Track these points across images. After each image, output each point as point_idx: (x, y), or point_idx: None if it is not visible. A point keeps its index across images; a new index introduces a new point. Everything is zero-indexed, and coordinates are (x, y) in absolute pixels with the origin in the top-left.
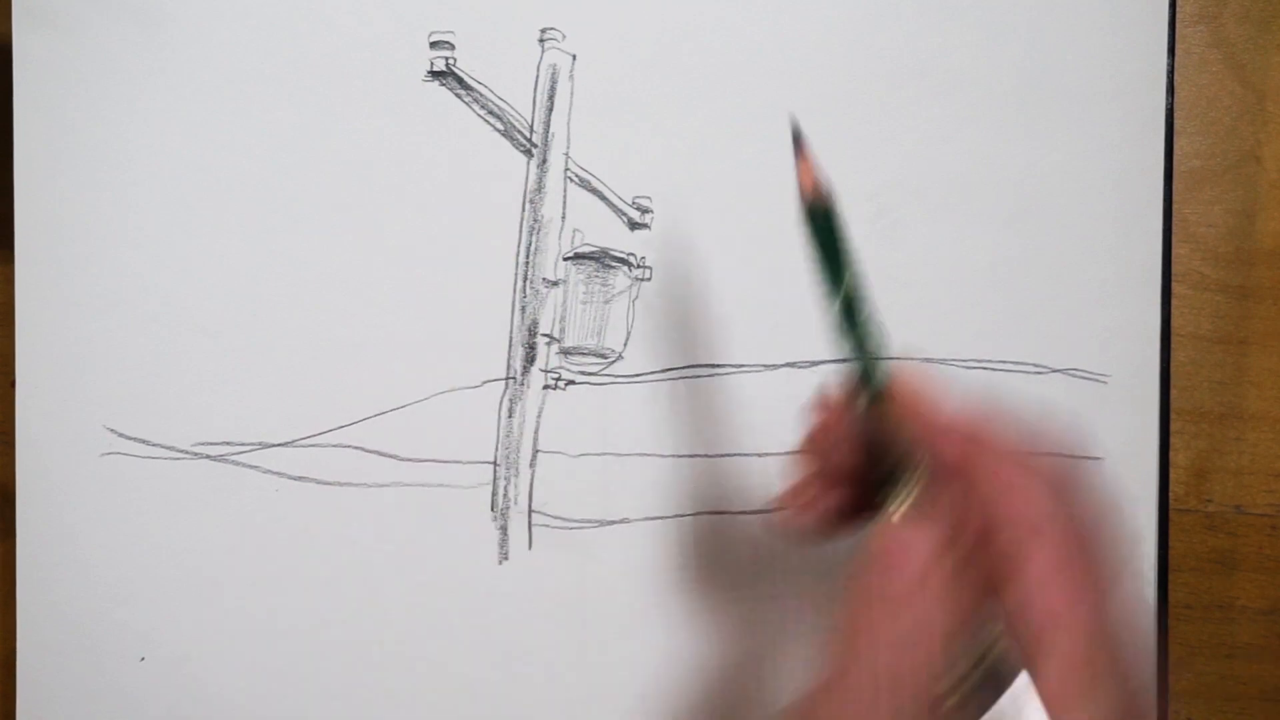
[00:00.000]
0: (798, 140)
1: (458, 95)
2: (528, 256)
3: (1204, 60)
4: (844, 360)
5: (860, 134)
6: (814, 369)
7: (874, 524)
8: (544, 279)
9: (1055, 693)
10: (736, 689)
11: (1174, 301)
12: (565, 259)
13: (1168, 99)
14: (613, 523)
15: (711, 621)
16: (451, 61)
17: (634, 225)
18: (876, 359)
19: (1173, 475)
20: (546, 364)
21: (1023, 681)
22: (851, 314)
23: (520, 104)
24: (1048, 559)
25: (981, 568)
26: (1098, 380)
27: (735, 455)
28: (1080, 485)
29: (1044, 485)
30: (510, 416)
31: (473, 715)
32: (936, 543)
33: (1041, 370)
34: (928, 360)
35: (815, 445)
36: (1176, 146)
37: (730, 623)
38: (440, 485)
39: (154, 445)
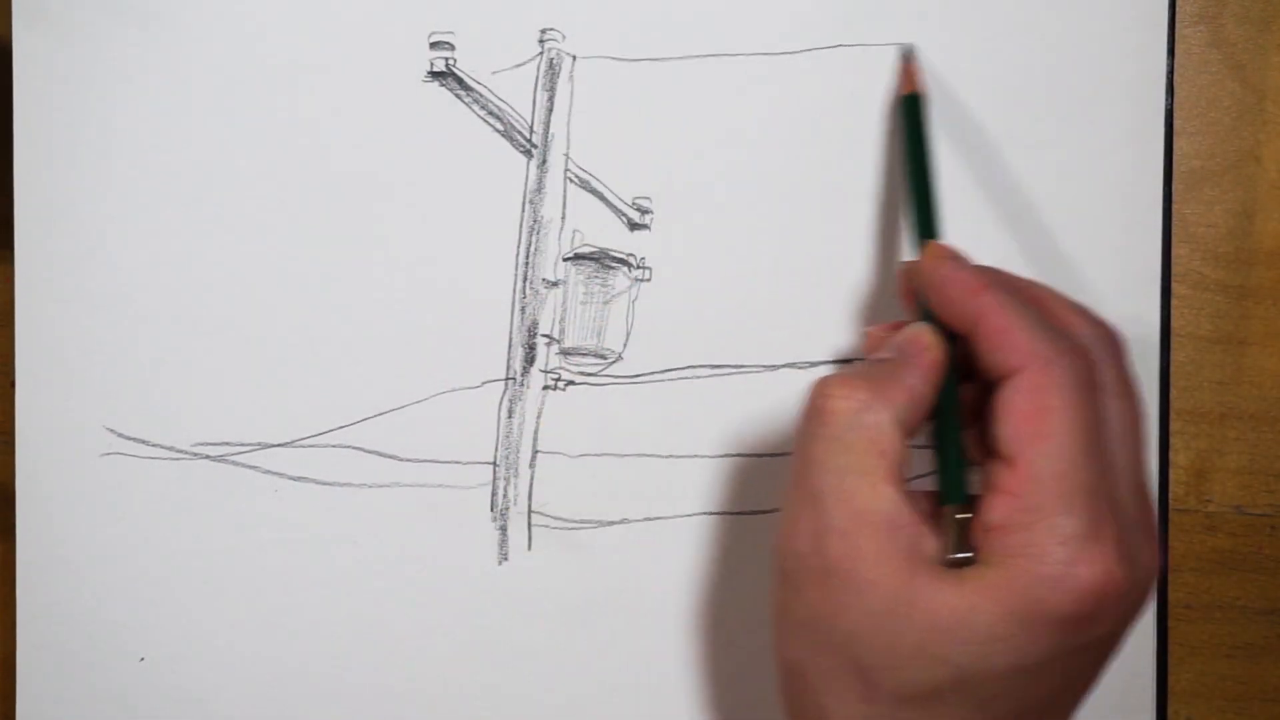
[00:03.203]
0: (912, 59)
1: (457, 95)
2: (527, 257)
3: (1204, 60)
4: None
5: (860, 134)
6: (813, 369)
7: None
8: (544, 279)
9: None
10: (738, 689)
11: (1174, 301)
12: (565, 259)
13: (1168, 99)
14: (613, 523)
15: (711, 621)
16: (451, 62)
17: (634, 225)
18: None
19: (1173, 475)
20: (546, 364)
21: None
22: (919, 181)
23: (520, 104)
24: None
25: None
26: None
27: (735, 455)
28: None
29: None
30: (510, 417)
31: (472, 715)
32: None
33: None
34: None
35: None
36: (1176, 146)
37: (730, 622)
38: (440, 486)
39: (154, 445)
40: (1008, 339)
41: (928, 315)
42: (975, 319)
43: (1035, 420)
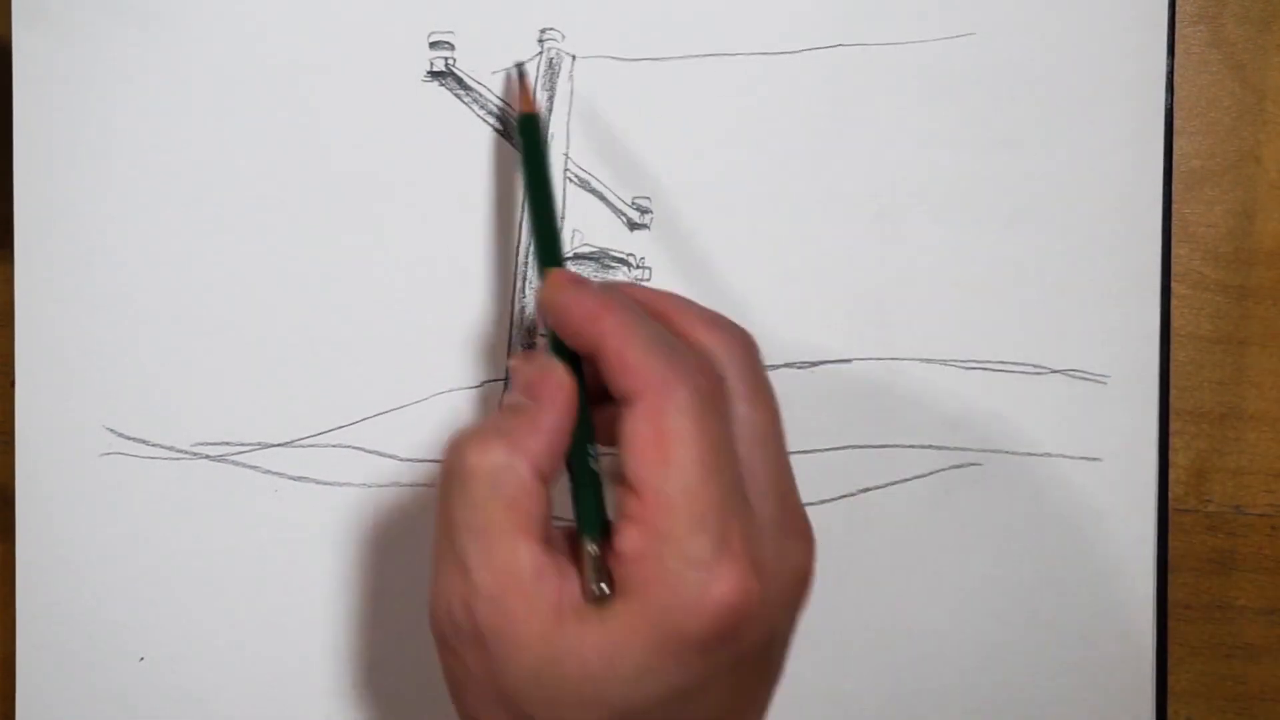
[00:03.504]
0: (523, 76)
1: (457, 95)
2: (527, 257)
3: (1204, 60)
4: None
5: (860, 134)
6: (814, 369)
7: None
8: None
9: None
10: None
11: (1174, 301)
12: (564, 259)
13: (1168, 99)
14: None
15: None
16: (451, 61)
17: (634, 225)
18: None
19: (1172, 475)
20: None
21: None
22: (539, 206)
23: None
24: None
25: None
26: (1097, 381)
27: None
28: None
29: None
30: None
31: None
32: None
33: (1041, 370)
34: (927, 360)
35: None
36: (1176, 146)
37: None
38: None
39: (154, 445)
40: (625, 363)
41: (559, 343)
42: (596, 344)
43: (657, 446)
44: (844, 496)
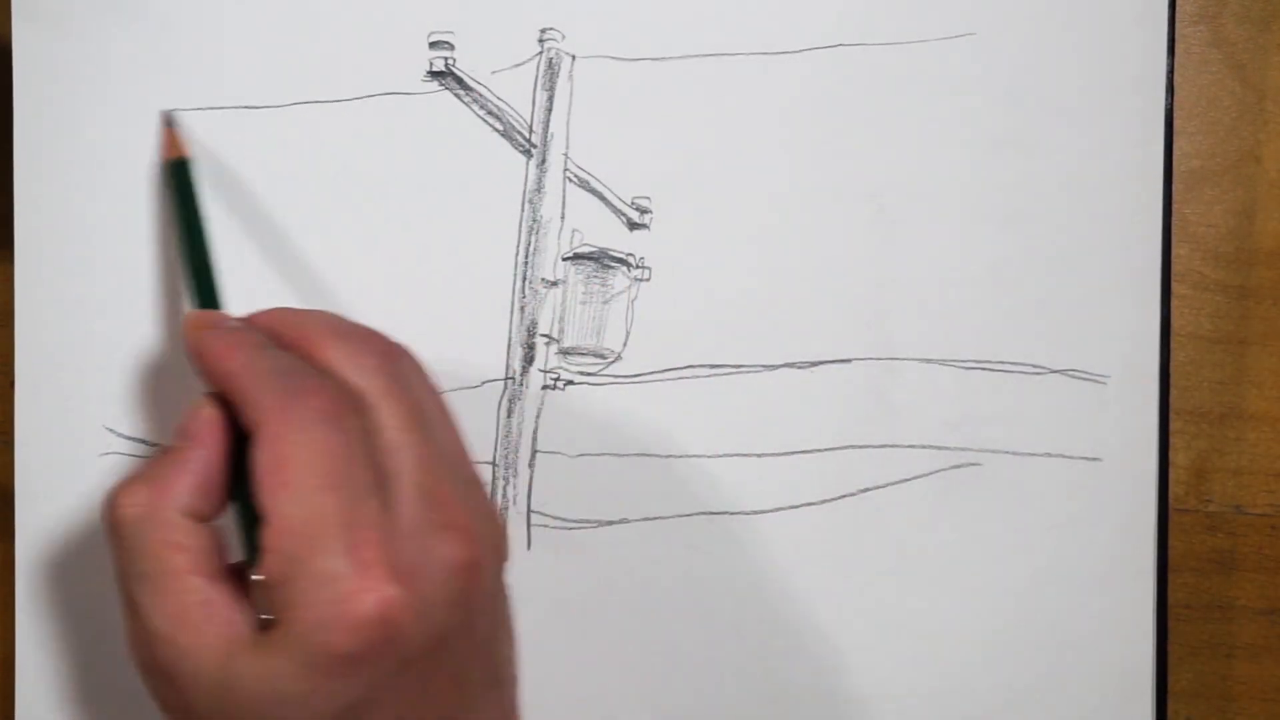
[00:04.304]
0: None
1: (457, 95)
2: (527, 257)
3: (1204, 60)
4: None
5: (860, 134)
6: (813, 369)
7: None
8: (543, 279)
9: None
10: (737, 688)
11: (1174, 301)
12: (564, 259)
13: (1168, 99)
14: (612, 523)
15: (711, 621)
16: (451, 61)
17: (633, 225)
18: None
19: (1172, 475)
20: (545, 364)
21: None
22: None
23: (520, 104)
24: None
25: None
26: (1097, 380)
27: (735, 455)
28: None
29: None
30: (509, 417)
31: None
32: None
33: (1041, 370)
34: (926, 360)
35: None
36: (1176, 146)
37: (729, 622)
38: None
39: (154, 445)
40: (246, 396)
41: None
42: (227, 384)
43: (276, 471)
44: (844, 496)
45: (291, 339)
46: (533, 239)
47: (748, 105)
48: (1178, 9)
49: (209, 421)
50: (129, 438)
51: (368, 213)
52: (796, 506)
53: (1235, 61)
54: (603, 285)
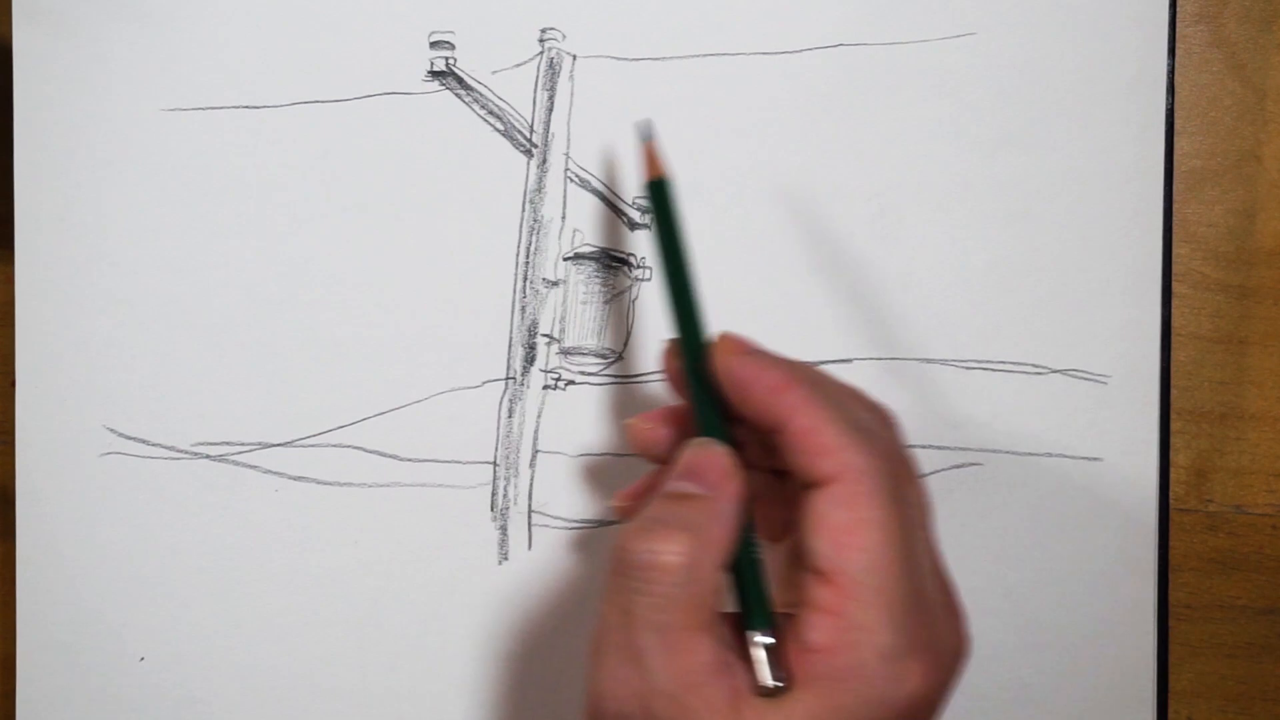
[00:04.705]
0: (649, 135)
1: (458, 95)
2: (528, 256)
3: (1204, 60)
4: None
5: (860, 134)
6: None
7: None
8: (544, 279)
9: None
10: None
11: (1174, 301)
12: (565, 259)
13: (1168, 99)
14: (613, 523)
15: None
16: (451, 61)
17: (634, 225)
18: (695, 330)
19: (1173, 475)
20: (546, 364)
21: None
22: (679, 284)
23: (520, 104)
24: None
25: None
26: (1098, 380)
27: None
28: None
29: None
30: (510, 417)
31: (472, 715)
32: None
33: (1041, 370)
34: (927, 361)
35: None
36: (1176, 146)
37: None
38: (440, 485)
39: (154, 445)
40: (818, 443)
41: (702, 400)
42: (782, 421)
43: (852, 534)
44: None
45: (828, 391)
46: (533, 239)
47: (747, 105)
48: (1178, 9)
49: (730, 473)
50: (129, 438)
51: (368, 212)
52: None
53: (1235, 61)
54: (603, 285)
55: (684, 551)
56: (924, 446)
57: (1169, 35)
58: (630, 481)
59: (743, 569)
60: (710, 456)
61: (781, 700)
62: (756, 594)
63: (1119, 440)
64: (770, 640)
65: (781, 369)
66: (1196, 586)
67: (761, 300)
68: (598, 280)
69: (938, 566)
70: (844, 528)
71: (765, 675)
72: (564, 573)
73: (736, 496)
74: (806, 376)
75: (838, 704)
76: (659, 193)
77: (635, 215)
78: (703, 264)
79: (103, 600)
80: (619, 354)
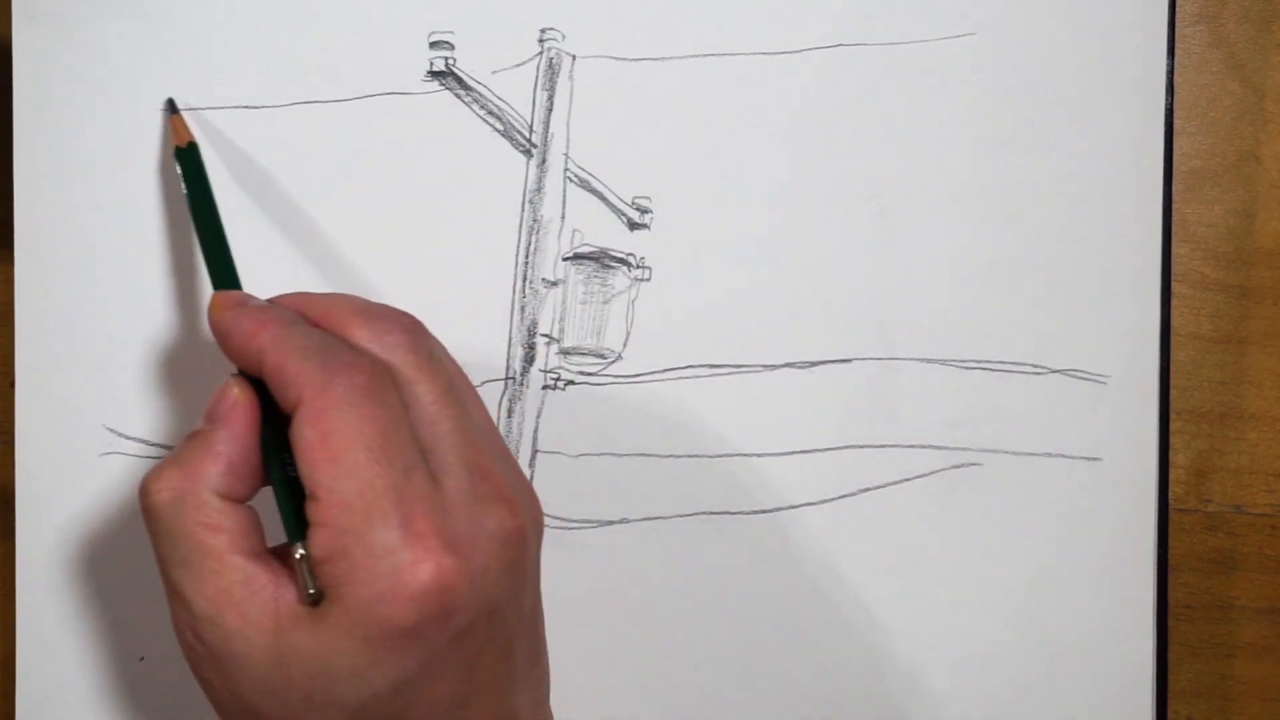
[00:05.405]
0: (174, 111)
1: (457, 95)
2: (527, 257)
3: (1204, 60)
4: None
5: (860, 134)
6: (813, 369)
7: None
8: (543, 279)
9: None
10: (737, 688)
11: (1174, 301)
12: (564, 259)
13: (1168, 99)
14: (613, 523)
15: (711, 621)
16: (451, 61)
17: (634, 225)
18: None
19: (1173, 475)
20: (546, 364)
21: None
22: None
23: (520, 104)
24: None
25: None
26: (1097, 380)
27: (735, 455)
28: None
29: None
30: (509, 417)
31: None
32: None
33: (1041, 370)
34: (926, 360)
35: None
36: (1176, 146)
37: (729, 622)
38: None
39: (154, 445)
40: (284, 373)
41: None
42: (258, 361)
43: (321, 446)
44: (844, 496)
45: (316, 318)
46: (533, 239)
47: (747, 105)
48: (1178, 9)
49: (237, 402)
50: (129, 438)
51: (368, 213)
52: (796, 506)
53: (1235, 61)
54: (603, 285)
55: (172, 487)
56: (924, 446)
57: (1169, 35)
58: (631, 480)
59: (276, 489)
60: (220, 393)
61: (317, 611)
62: (286, 510)
63: (1118, 440)
64: (304, 553)
65: (256, 315)
66: (1196, 586)
67: (761, 300)
68: (597, 280)
69: (470, 456)
70: (312, 444)
71: (303, 585)
72: (564, 572)
73: (237, 424)
74: (281, 316)
75: (349, 606)
76: (190, 159)
77: (635, 215)
78: (702, 263)
79: (103, 600)
80: (618, 354)
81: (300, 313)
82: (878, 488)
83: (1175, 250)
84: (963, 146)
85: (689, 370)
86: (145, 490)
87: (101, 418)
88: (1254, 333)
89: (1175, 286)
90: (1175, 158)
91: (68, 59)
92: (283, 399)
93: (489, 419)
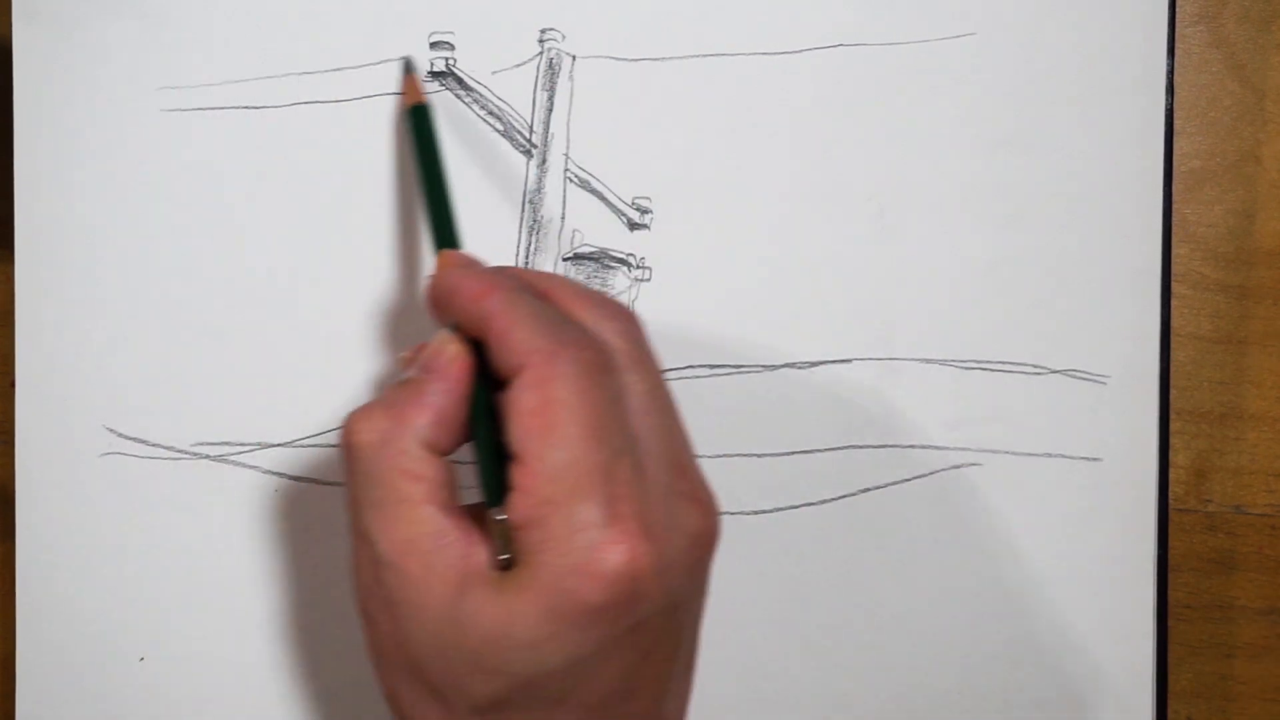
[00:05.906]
0: (410, 70)
1: (457, 95)
2: (527, 257)
3: (1204, 60)
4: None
5: (860, 134)
6: (813, 369)
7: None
8: None
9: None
10: (738, 687)
11: (1174, 301)
12: (565, 259)
13: (1168, 99)
14: None
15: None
16: (451, 62)
17: (634, 225)
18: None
19: (1172, 475)
20: None
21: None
22: (433, 190)
23: (520, 104)
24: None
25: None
26: (1097, 381)
27: (735, 455)
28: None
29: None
30: None
31: None
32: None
33: (1041, 370)
34: (926, 360)
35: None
36: (1176, 146)
37: (729, 621)
38: None
39: (154, 445)
40: (510, 338)
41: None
42: (483, 323)
43: (539, 414)
44: (844, 496)
45: (541, 292)
46: (533, 239)
47: (747, 105)
48: (1178, 9)
49: (456, 356)
50: (129, 438)
51: (368, 213)
52: (796, 506)
53: (1235, 61)
54: (603, 285)
55: (378, 428)
56: (924, 446)
57: (1168, 35)
58: None
59: (479, 452)
60: (435, 345)
61: (504, 576)
62: (488, 473)
63: (1118, 440)
64: (500, 517)
65: (484, 277)
66: (1196, 586)
67: (761, 300)
68: (597, 280)
69: (673, 451)
70: (530, 410)
71: (497, 548)
72: None
73: (451, 379)
74: (510, 283)
75: (540, 576)
76: (421, 118)
77: (635, 215)
78: (702, 263)
79: (102, 600)
80: None
81: (525, 283)
82: (878, 488)
83: (1175, 250)
84: (963, 146)
85: (689, 370)
86: (349, 429)
87: (101, 418)
88: (1254, 333)
89: (1175, 286)
90: (1175, 158)
91: (68, 59)
92: (504, 363)
93: (683, 421)
